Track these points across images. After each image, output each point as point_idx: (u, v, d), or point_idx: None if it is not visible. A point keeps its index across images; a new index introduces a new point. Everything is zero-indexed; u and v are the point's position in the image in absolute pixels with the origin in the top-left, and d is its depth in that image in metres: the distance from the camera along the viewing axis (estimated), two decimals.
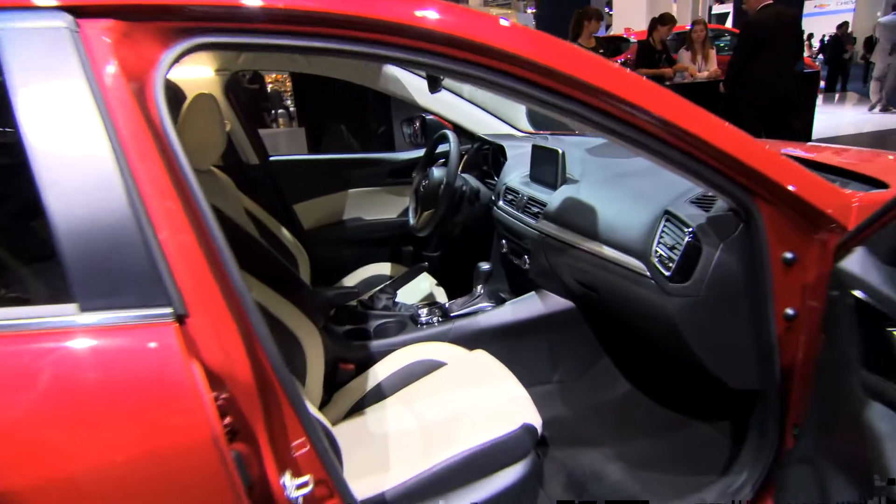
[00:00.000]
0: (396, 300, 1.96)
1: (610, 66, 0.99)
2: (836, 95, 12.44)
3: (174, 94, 2.06)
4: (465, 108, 2.32)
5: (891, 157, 1.57)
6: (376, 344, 1.73)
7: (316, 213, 2.47)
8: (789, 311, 1.11)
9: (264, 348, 0.84)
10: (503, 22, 0.95)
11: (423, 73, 2.28)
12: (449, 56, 0.93)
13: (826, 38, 12.71)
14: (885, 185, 1.21)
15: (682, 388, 1.73)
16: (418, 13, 0.90)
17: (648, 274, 1.29)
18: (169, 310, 0.75)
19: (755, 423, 1.26)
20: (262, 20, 0.86)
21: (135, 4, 0.81)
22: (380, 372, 1.56)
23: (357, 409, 1.49)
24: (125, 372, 0.75)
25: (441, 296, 2.10)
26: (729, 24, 13.77)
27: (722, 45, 10.41)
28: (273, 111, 6.09)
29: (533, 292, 1.88)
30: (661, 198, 1.35)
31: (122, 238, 0.75)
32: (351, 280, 2.29)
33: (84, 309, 0.73)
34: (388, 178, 2.56)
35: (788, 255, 1.09)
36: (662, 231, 1.28)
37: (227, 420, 0.79)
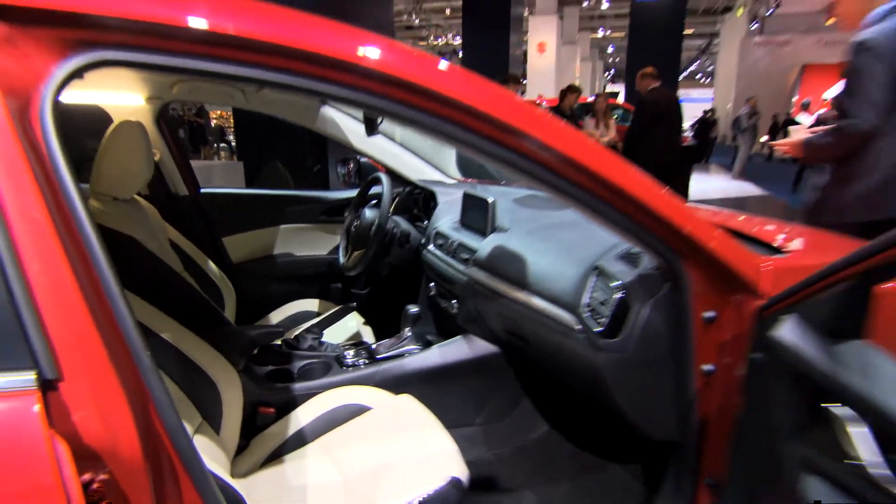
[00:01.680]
0: (322, 340, 1.78)
1: (550, 119, 0.90)
2: (704, 167, 13.50)
3: (100, 119, 1.82)
4: (398, 152, 2.22)
5: (773, 224, 1.59)
6: (299, 386, 1.55)
7: (246, 246, 2.28)
8: (707, 367, 1.07)
9: (160, 413, 0.65)
10: (444, 64, 0.83)
11: (360, 116, 2.18)
12: (389, 96, 0.80)
13: (695, 121, 13.89)
14: (780, 251, 1.19)
15: (599, 432, 1.66)
16: (360, 51, 0.77)
17: (578, 327, 1.20)
18: (31, 374, 0.55)
19: (671, 474, 1.20)
20: (180, 39, 0.69)
21: (22, 6, 0.63)
22: (302, 416, 1.39)
23: (276, 456, 1.31)
24: None
25: (368, 335, 1.95)
26: (621, 99, 14.77)
27: (615, 117, 11.16)
28: (215, 144, 5.83)
29: (460, 336, 1.78)
30: (590, 252, 1.29)
31: None
32: (278, 315, 2.10)
33: None
34: (321, 216, 2.41)
35: (708, 314, 1.05)
36: (593, 286, 1.21)
37: None
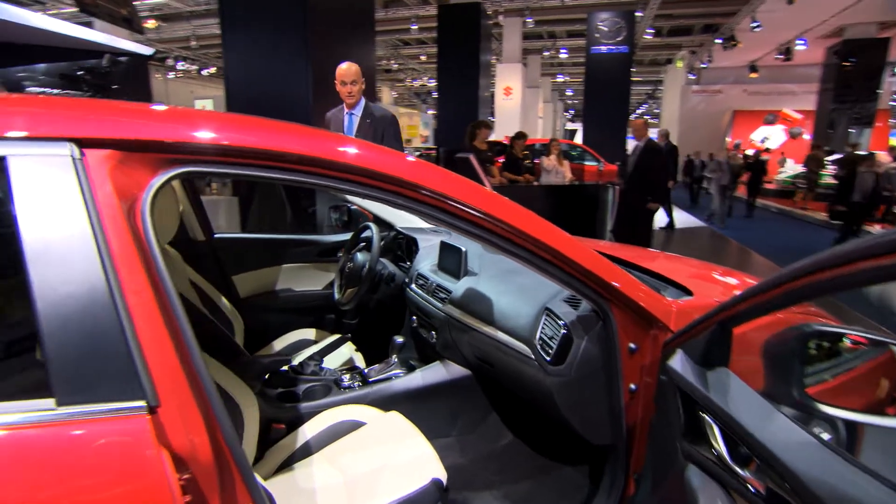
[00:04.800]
0: (322, 366, 1.93)
1: (488, 194, 1.09)
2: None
3: None
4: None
5: (692, 265, 1.82)
6: (304, 405, 1.69)
7: (252, 283, 2.40)
8: (632, 385, 1.25)
9: (223, 431, 0.83)
10: (409, 158, 1.05)
11: None
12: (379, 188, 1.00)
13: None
14: (689, 293, 1.41)
15: (553, 439, 1.83)
16: (340, 148, 0.98)
17: (532, 357, 1.40)
18: (142, 402, 0.73)
19: (608, 471, 1.37)
20: (235, 156, 0.90)
21: (132, 139, 0.82)
22: (308, 431, 1.51)
23: (286, 464, 1.44)
24: (103, 460, 0.71)
25: (360, 361, 2.09)
26: (578, 138, 15.16)
27: (574, 154, 11.53)
28: (211, 183, 5.87)
29: (438, 362, 1.94)
30: (541, 295, 1.48)
31: (103, 338, 0.73)
32: (280, 343, 2.21)
33: (61, 403, 0.70)
34: (317, 257, 2.55)
35: (632, 345, 1.24)
36: (544, 324, 1.40)
37: (188, 498, 0.76)
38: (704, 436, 0.93)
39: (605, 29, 12.25)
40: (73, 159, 0.76)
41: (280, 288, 2.47)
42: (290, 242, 2.51)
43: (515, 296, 1.59)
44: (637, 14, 12.76)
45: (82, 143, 0.78)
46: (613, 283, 1.18)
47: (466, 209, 1.05)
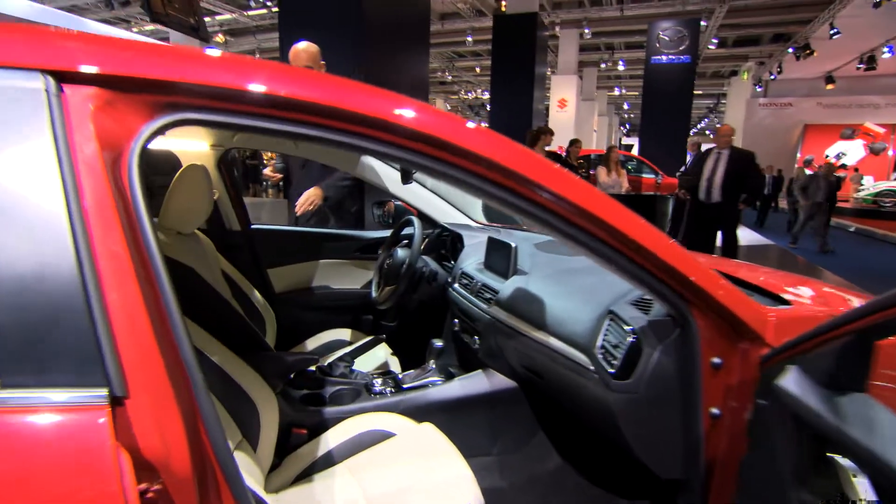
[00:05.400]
0: (353, 368, 1.77)
1: (562, 172, 0.91)
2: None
3: (170, 162, 1.91)
4: (429, 197, 2.25)
5: (779, 275, 1.55)
6: (330, 410, 1.54)
7: (287, 278, 2.30)
8: (714, 410, 1.03)
9: (208, 430, 0.67)
10: (470, 124, 0.86)
11: (398, 166, 2.23)
12: (422, 153, 0.83)
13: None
14: (784, 302, 1.16)
15: (609, 466, 1.59)
16: (397, 111, 0.80)
17: (592, 368, 1.18)
18: (103, 391, 0.58)
19: None
20: (247, 103, 0.74)
21: (122, 76, 0.68)
22: (331, 439, 1.38)
23: (306, 474, 1.30)
24: (43, 461, 0.56)
25: (395, 365, 1.94)
26: (635, 151, 14.67)
27: (631, 166, 11.09)
28: (265, 183, 5.98)
29: (480, 370, 1.74)
30: (604, 297, 1.27)
31: (62, 310, 0.59)
32: (314, 342, 2.11)
33: (4, 385, 0.56)
34: (356, 253, 2.42)
35: (716, 360, 1.02)
36: (606, 329, 1.18)
37: None
38: (835, 484, 0.69)
39: (667, 38, 11.81)
40: (48, 94, 0.63)
41: (316, 285, 2.37)
42: (328, 237, 2.40)
43: (572, 298, 1.38)
44: (701, 23, 12.21)
45: (61, 77, 0.65)
46: (698, 282, 0.95)
47: (530, 186, 0.87)
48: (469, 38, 14.00)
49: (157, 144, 1.87)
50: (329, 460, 1.31)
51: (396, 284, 1.89)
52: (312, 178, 2.47)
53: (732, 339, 1.01)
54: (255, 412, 1.27)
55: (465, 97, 25.73)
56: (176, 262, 1.33)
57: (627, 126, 33.32)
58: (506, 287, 1.60)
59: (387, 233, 2.30)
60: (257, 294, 1.96)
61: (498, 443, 1.71)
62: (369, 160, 2.20)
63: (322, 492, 1.21)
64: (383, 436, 1.35)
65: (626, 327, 1.12)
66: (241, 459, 1.15)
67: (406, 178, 1.44)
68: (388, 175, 2.21)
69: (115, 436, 0.58)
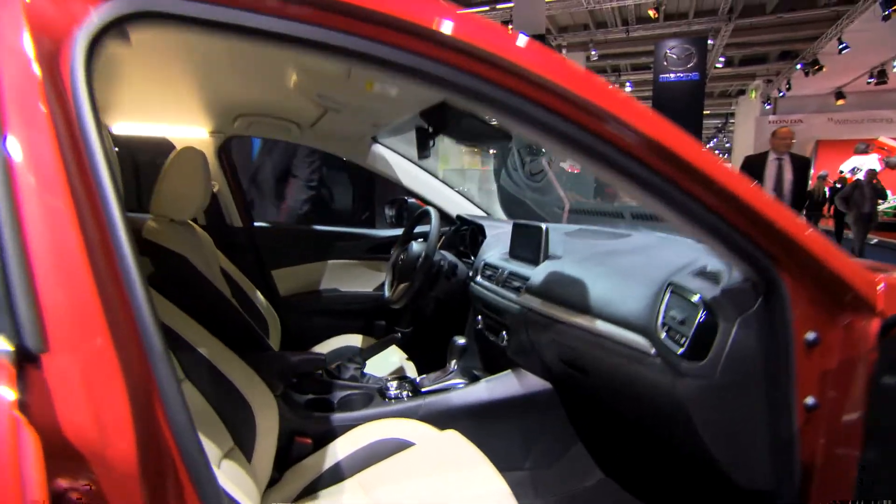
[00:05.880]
0: (365, 371, 1.57)
1: (635, 101, 0.73)
2: None
3: (166, 151, 1.78)
4: (446, 192, 2.09)
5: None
6: (339, 417, 1.35)
7: (293, 280, 2.14)
8: (809, 400, 0.82)
9: (167, 411, 0.48)
10: (522, 37, 0.68)
11: (409, 153, 2.07)
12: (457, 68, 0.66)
13: None
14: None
15: (667, 480, 1.36)
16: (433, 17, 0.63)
17: (653, 351, 0.97)
18: (8, 346, 0.40)
19: None
20: None
21: None
22: (340, 449, 1.20)
23: (310, 491, 1.12)
24: None
25: (411, 370, 1.74)
26: None
27: None
28: None
29: (509, 371, 1.53)
30: (657, 272, 1.07)
31: None
32: (321, 349, 1.93)
33: None
34: (367, 253, 2.25)
35: (811, 335, 0.81)
36: (668, 304, 0.98)
37: None
38: None
39: (675, 56, 11.79)
40: None
41: (325, 287, 2.19)
42: (337, 235, 2.23)
43: (617, 277, 1.18)
44: (708, 42, 12.22)
45: None
46: (795, 236, 0.76)
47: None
48: None
49: (150, 132, 1.74)
50: (337, 474, 1.14)
51: (411, 281, 1.70)
52: (274, 163, 2.39)
53: (831, 310, 0.81)
54: (251, 416, 1.09)
55: None
56: (167, 250, 1.19)
57: None
58: (537, 273, 1.41)
59: (400, 230, 2.12)
60: (260, 296, 1.79)
61: (531, 454, 1.49)
62: (380, 150, 2.04)
63: None
64: (401, 445, 1.18)
65: (693, 298, 0.92)
66: (231, 471, 0.96)
67: (423, 151, 1.27)
68: (399, 166, 2.06)
69: (19, 406, 0.39)
